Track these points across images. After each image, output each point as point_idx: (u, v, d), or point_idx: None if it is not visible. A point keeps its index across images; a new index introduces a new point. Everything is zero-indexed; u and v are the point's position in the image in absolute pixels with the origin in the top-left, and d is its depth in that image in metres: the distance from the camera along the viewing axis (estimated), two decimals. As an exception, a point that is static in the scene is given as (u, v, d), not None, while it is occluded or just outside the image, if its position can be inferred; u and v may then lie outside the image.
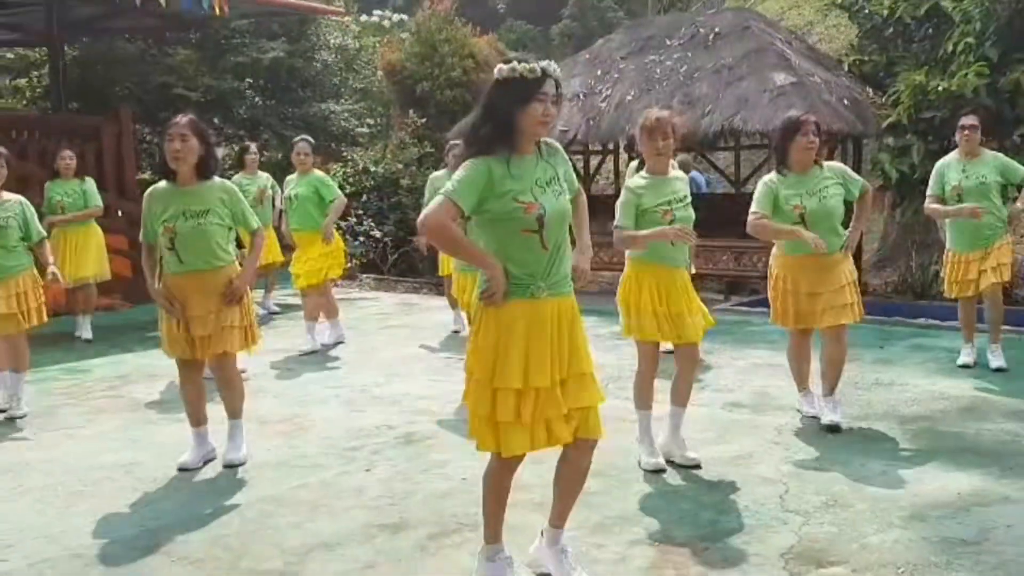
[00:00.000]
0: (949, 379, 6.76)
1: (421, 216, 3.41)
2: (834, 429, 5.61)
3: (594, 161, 14.73)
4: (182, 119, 5.12)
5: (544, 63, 3.40)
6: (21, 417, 6.40)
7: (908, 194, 10.90)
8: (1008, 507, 4.39)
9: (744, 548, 4.00)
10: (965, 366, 7.12)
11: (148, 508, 4.70)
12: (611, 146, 14.11)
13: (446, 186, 3.37)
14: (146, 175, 12.95)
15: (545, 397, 3.44)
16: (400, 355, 8.30)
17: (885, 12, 11.79)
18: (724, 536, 4.14)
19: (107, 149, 11.34)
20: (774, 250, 5.85)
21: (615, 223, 4.97)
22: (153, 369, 7.75)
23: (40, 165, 10.95)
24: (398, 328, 9.46)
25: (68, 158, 9.43)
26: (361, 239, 13.91)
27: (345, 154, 15.63)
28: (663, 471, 4.97)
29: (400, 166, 14.89)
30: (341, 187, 14.86)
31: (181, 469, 5.24)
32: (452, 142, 9.19)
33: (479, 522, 4.19)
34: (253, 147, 10.37)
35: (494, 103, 3.40)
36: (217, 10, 11.12)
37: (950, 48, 10.62)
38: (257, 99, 14.97)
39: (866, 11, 12.37)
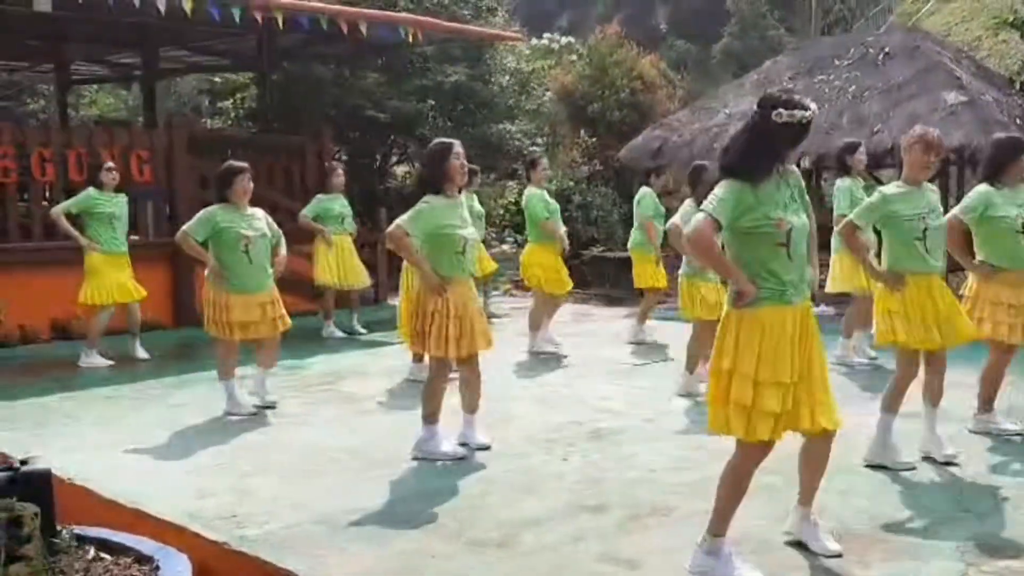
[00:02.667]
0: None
1: (687, 229, 3.95)
2: None
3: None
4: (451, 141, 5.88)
5: (812, 106, 3.91)
6: (272, 406, 7.13)
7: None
8: None
9: (921, 540, 4.35)
10: None
11: (377, 485, 5.35)
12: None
13: (706, 203, 3.89)
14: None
15: (795, 388, 3.91)
16: (581, 359, 8.90)
17: (1058, 31, 11.70)
18: (901, 530, 4.49)
19: (310, 166, 12.38)
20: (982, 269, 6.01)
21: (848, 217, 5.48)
22: (363, 368, 8.60)
23: (253, 179, 12.02)
24: (575, 335, 10.04)
25: (341, 174, 10.50)
26: (535, 253, 14.59)
27: (520, 172, 16.41)
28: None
29: (571, 183, 15.53)
30: (516, 203, 15.71)
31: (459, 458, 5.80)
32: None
33: (671, 507, 4.72)
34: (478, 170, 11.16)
35: (768, 140, 3.85)
36: (411, 38, 12.03)
37: None
38: (438, 120, 15.87)
39: (1037, 30, 12.27)
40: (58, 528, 4.00)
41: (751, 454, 3.99)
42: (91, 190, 9.00)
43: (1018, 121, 11.19)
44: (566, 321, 11.12)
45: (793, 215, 3.91)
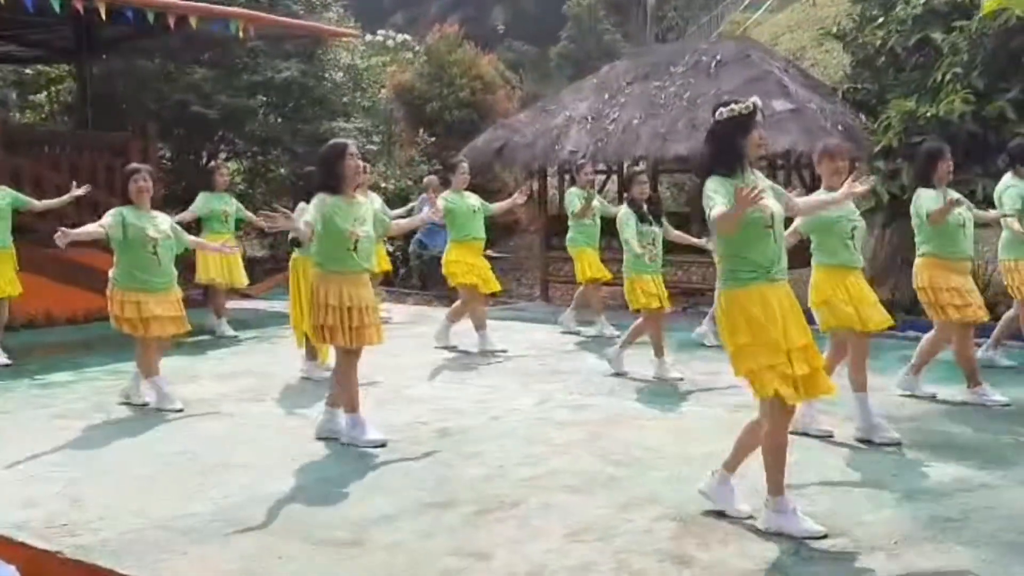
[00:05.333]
0: (934, 386, 7.23)
1: (712, 222, 4.29)
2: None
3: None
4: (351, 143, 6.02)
5: (755, 99, 4.44)
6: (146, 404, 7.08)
7: (898, 215, 11.43)
8: (987, 492, 4.96)
9: (753, 523, 4.52)
10: None
11: (216, 489, 5.18)
12: (615, 167, 14.71)
13: (707, 201, 4.30)
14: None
15: (805, 354, 4.37)
16: (423, 360, 8.84)
17: (878, 43, 12.32)
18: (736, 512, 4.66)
19: (133, 163, 11.85)
20: (927, 260, 6.88)
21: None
22: (193, 371, 8.31)
23: (71, 178, 11.45)
24: (416, 337, 9.99)
25: (226, 173, 10.86)
26: (372, 252, 14.46)
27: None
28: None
29: (410, 183, 15.44)
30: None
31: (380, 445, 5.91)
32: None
33: (519, 500, 4.80)
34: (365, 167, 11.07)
35: (722, 137, 4.43)
36: (243, 32, 11.69)
37: (939, 77, 11.06)
38: (270, 116, 15.49)
39: (859, 41, 12.91)
40: None
41: (780, 422, 4.43)
42: None
43: (840, 128, 11.73)
44: (405, 323, 11.06)
45: (772, 201, 4.42)
